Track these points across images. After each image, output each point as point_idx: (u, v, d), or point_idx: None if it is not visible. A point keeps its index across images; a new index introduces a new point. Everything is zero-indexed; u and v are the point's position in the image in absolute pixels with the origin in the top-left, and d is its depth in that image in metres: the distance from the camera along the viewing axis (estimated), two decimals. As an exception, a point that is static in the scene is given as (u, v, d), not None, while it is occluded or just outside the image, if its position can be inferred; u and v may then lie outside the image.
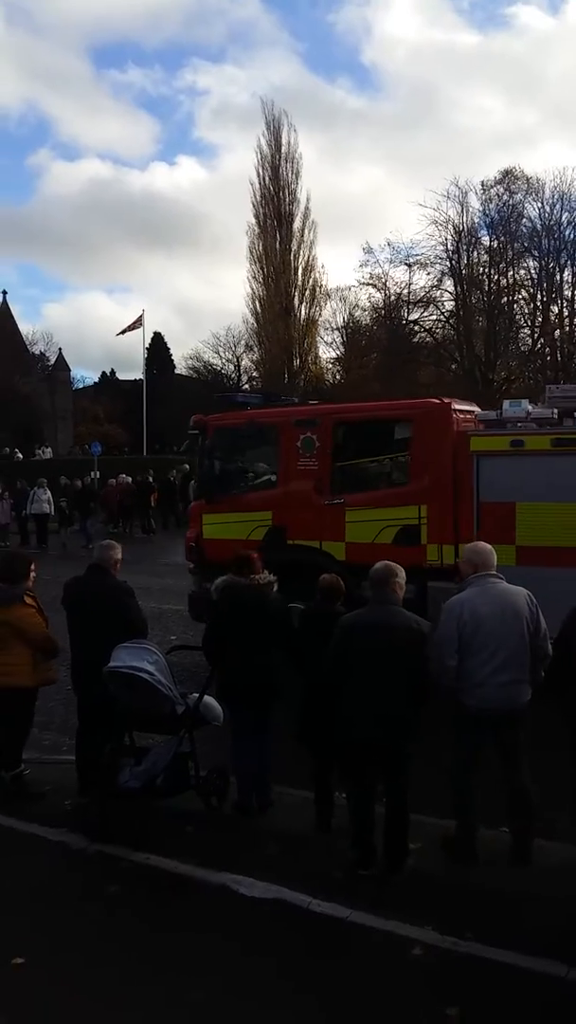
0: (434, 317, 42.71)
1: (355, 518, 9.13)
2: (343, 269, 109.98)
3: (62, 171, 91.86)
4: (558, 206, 38.89)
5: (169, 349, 55.93)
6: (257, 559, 6.08)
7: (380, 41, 74.82)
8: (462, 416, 9.19)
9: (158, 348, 53.69)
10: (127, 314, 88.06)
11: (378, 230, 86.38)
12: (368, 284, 42.59)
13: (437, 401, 9.51)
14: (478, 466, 8.52)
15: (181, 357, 55.03)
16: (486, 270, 41.29)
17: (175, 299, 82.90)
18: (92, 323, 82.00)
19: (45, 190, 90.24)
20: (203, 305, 76.93)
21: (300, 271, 44.95)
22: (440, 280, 41.49)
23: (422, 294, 41.94)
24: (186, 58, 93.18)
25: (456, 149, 63.35)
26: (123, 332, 35.28)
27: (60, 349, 52.53)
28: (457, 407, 9.32)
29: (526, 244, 40.21)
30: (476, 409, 9.70)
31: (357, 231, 76.80)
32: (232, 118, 79.56)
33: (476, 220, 40.35)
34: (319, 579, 6.00)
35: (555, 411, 8.71)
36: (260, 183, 44.67)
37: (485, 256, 41.04)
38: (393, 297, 42.62)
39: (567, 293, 40.58)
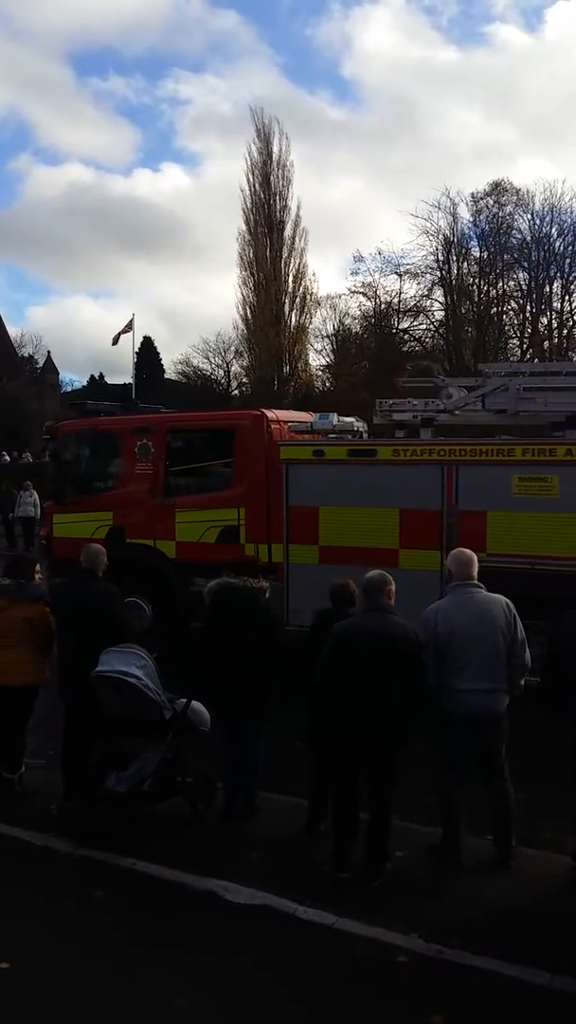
0: (424, 326, 42.95)
1: (184, 519, 10.06)
2: (324, 277, 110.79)
3: (45, 176, 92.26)
4: (547, 218, 39.26)
5: (159, 354, 55.93)
6: (255, 564, 6.12)
7: (360, 55, 75.80)
8: (278, 427, 10.05)
9: (148, 353, 53.63)
10: (112, 318, 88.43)
11: (357, 240, 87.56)
12: (359, 292, 42.81)
13: (255, 412, 10.38)
14: (287, 473, 9.45)
15: (171, 362, 55.11)
16: (476, 281, 41.59)
17: (158, 304, 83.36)
18: (77, 327, 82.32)
19: (27, 194, 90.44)
20: (186, 310, 77.61)
21: (291, 278, 45.08)
22: (430, 290, 41.76)
23: (412, 303, 42.18)
24: (167, 68, 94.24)
25: (435, 162, 64.26)
26: (117, 338, 35.17)
27: (48, 352, 52.56)
28: (275, 417, 10.22)
29: (516, 256, 40.53)
30: (306, 418, 10.50)
31: (337, 240, 77.34)
32: (213, 127, 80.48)
33: (466, 231, 40.67)
34: (329, 584, 5.95)
35: (359, 424, 10.08)
36: (251, 190, 44.74)
37: (475, 267, 41.34)
38: (383, 306, 42.83)
39: (556, 305, 40.92)
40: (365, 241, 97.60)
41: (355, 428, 9.89)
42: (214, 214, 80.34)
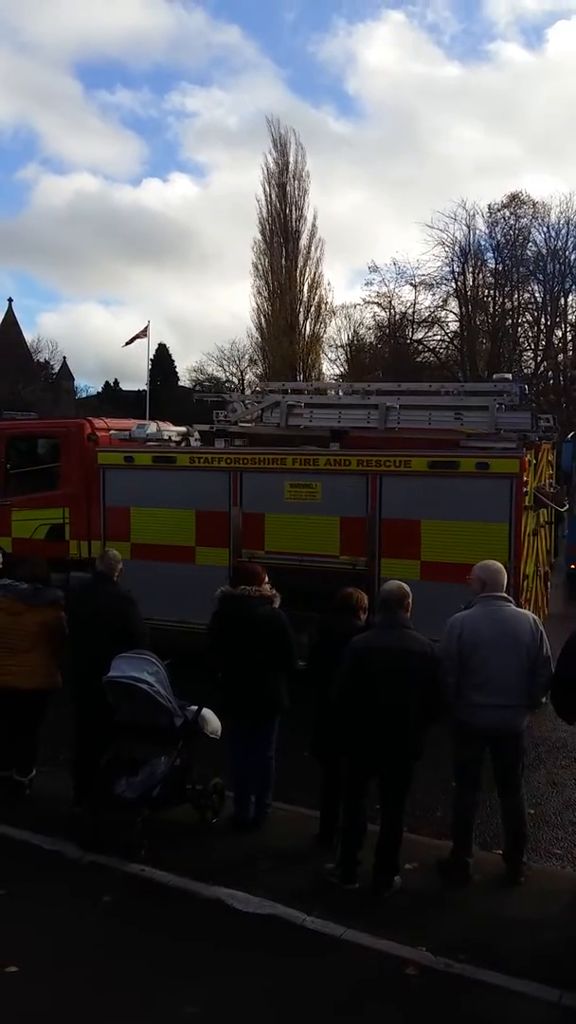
0: (438, 337, 42.96)
1: (19, 517, 11.17)
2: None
3: (52, 185, 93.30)
4: (564, 231, 39.22)
5: (173, 361, 56.14)
6: (261, 572, 6.09)
7: (363, 71, 76.98)
8: (104, 434, 11.03)
9: (163, 360, 53.85)
10: (121, 326, 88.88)
11: (361, 252, 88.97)
12: (373, 303, 42.87)
13: (79, 421, 11.60)
14: (104, 476, 10.50)
15: (185, 369, 55.34)
16: (491, 292, 41.58)
17: (166, 312, 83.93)
18: (88, 334, 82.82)
19: (36, 203, 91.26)
20: (192, 319, 78.45)
21: (306, 287, 45.22)
22: (445, 301, 41.77)
23: (427, 314, 42.20)
24: (174, 81, 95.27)
25: (438, 176, 65.18)
26: (129, 342, 35.44)
27: (64, 358, 52.77)
28: (105, 426, 11.28)
29: (531, 268, 40.51)
30: (131, 425, 11.38)
31: (341, 251, 78.00)
32: (219, 139, 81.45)
33: (482, 242, 40.69)
34: (335, 593, 5.94)
35: (178, 433, 10.99)
36: (266, 199, 44.99)
37: (490, 278, 41.35)
38: (398, 316, 42.88)
39: (571, 317, 40.84)
40: (368, 253, 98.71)
41: (166, 437, 10.88)
42: (220, 225, 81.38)
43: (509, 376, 11.37)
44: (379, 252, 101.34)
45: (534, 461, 9.02)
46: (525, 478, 8.57)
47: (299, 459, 9.53)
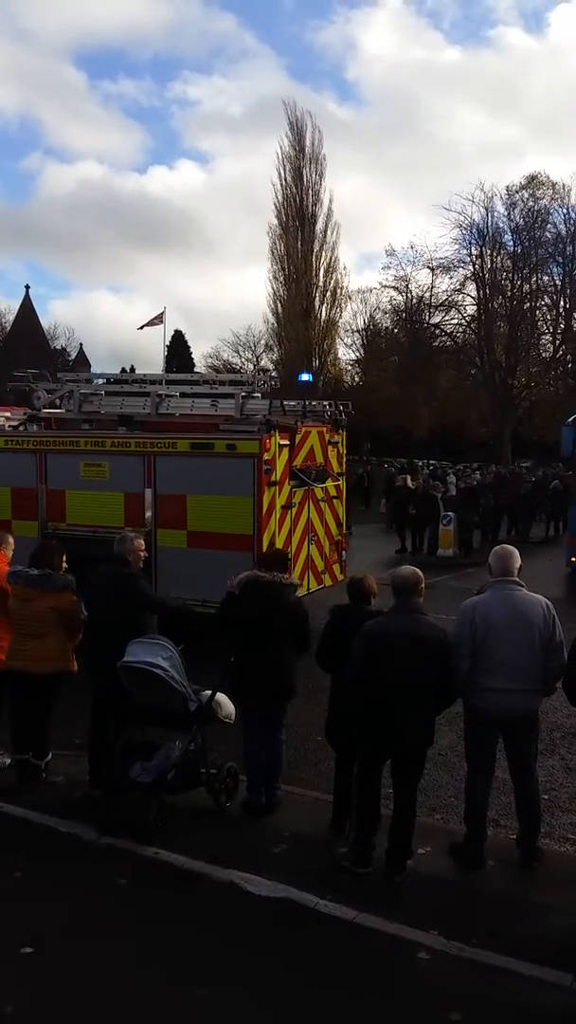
0: (455, 321, 42.66)
1: None
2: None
3: (58, 173, 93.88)
4: (584, 213, 38.74)
5: (189, 347, 56.17)
6: (284, 557, 6.10)
7: (362, 57, 77.57)
8: None
9: (178, 346, 53.87)
10: (131, 312, 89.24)
11: (365, 236, 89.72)
12: (390, 287, 42.60)
13: None
14: None
15: (200, 356, 55.33)
16: (509, 275, 41.17)
17: (174, 299, 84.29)
18: (98, 320, 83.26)
19: (43, 192, 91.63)
20: (200, 305, 79.18)
21: (322, 272, 44.98)
22: (463, 284, 41.43)
23: (444, 298, 41.88)
24: (175, 70, 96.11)
25: (441, 160, 65.31)
26: (143, 327, 35.49)
27: (80, 345, 52.99)
28: None
29: (550, 250, 40.05)
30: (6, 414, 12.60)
31: (347, 236, 78.78)
32: (222, 126, 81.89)
33: (500, 224, 40.26)
34: (349, 580, 5.98)
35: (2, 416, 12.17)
36: (282, 184, 44.72)
37: (508, 261, 40.93)
38: (415, 300, 42.58)
39: (590, 300, 40.41)
40: (371, 238, 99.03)
41: (1, 422, 12.06)
42: (225, 211, 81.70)
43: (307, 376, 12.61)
44: (383, 237, 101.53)
45: (287, 443, 10.19)
46: (266, 457, 9.74)
47: (90, 442, 10.96)
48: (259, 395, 10.91)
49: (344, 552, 11.89)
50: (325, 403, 11.98)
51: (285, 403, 10.94)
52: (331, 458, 11.40)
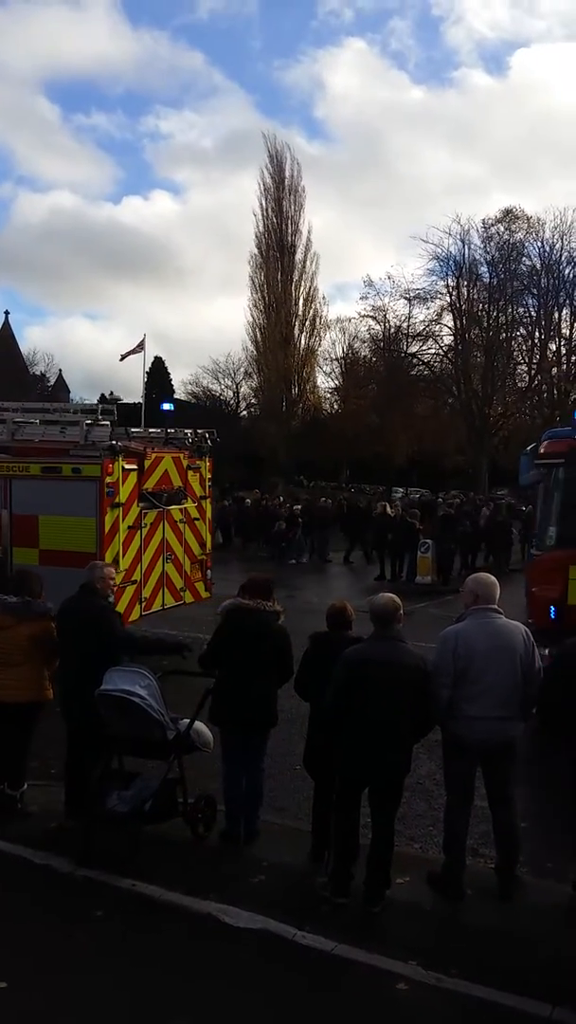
0: (433, 351, 43.13)
1: None
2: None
3: (31, 203, 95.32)
4: (558, 246, 39.50)
5: (169, 373, 56.23)
6: (269, 585, 6.12)
7: (329, 96, 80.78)
8: None
9: (159, 373, 53.94)
10: (108, 339, 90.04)
11: (337, 268, 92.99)
12: (368, 316, 43.06)
13: None
14: None
15: (180, 383, 55.44)
16: (485, 306, 41.77)
17: (150, 327, 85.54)
18: (75, 347, 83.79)
19: (16, 220, 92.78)
20: (176, 332, 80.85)
21: (301, 301, 45.44)
22: (440, 315, 41.97)
23: (421, 327, 42.38)
24: (147, 105, 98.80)
25: (407, 195, 67.62)
26: (125, 356, 35.56)
27: (60, 371, 52.85)
28: None
29: (525, 282, 40.74)
30: None
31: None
32: (192, 159, 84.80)
33: (476, 256, 40.94)
34: (328, 607, 5.95)
35: None
36: (263, 214, 45.31)
37: (484, 293, 41.56)
38: (392, 330, 43.05)
39: (565, 331, 41.07)
40: (342, 271, 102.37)
41: None
42: (198, 242, 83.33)
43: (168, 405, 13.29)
44: (355, 268, 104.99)
45: (133, 467, 10.82)
46: (109, 480, 10.33)
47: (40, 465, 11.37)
48: (107, 423, 11.62)
49: (209, 571, 12.40)
50: (186, 431, 12.76)
51: (151, 431, 11.98)
52: (192, 482, 12.09)
